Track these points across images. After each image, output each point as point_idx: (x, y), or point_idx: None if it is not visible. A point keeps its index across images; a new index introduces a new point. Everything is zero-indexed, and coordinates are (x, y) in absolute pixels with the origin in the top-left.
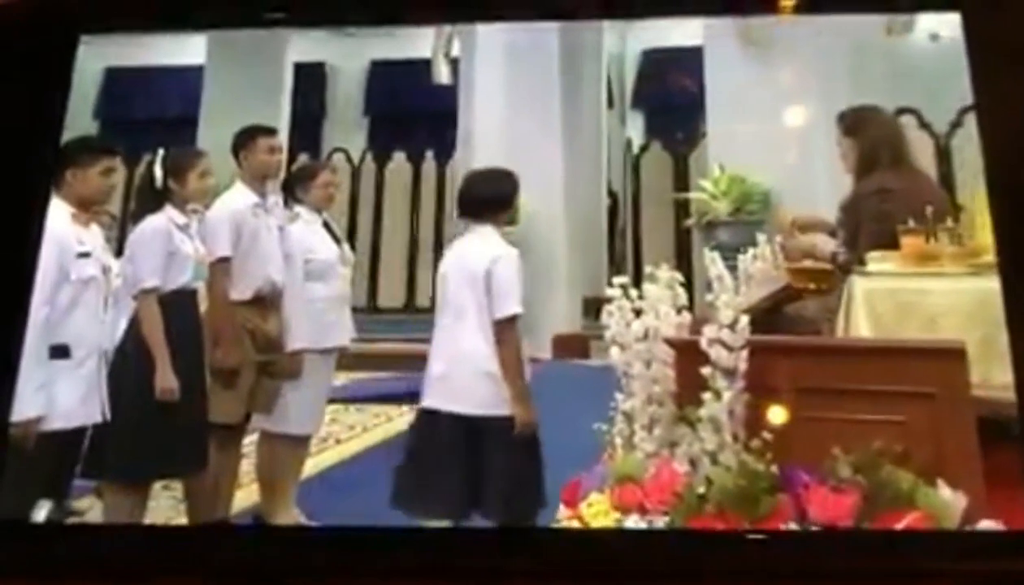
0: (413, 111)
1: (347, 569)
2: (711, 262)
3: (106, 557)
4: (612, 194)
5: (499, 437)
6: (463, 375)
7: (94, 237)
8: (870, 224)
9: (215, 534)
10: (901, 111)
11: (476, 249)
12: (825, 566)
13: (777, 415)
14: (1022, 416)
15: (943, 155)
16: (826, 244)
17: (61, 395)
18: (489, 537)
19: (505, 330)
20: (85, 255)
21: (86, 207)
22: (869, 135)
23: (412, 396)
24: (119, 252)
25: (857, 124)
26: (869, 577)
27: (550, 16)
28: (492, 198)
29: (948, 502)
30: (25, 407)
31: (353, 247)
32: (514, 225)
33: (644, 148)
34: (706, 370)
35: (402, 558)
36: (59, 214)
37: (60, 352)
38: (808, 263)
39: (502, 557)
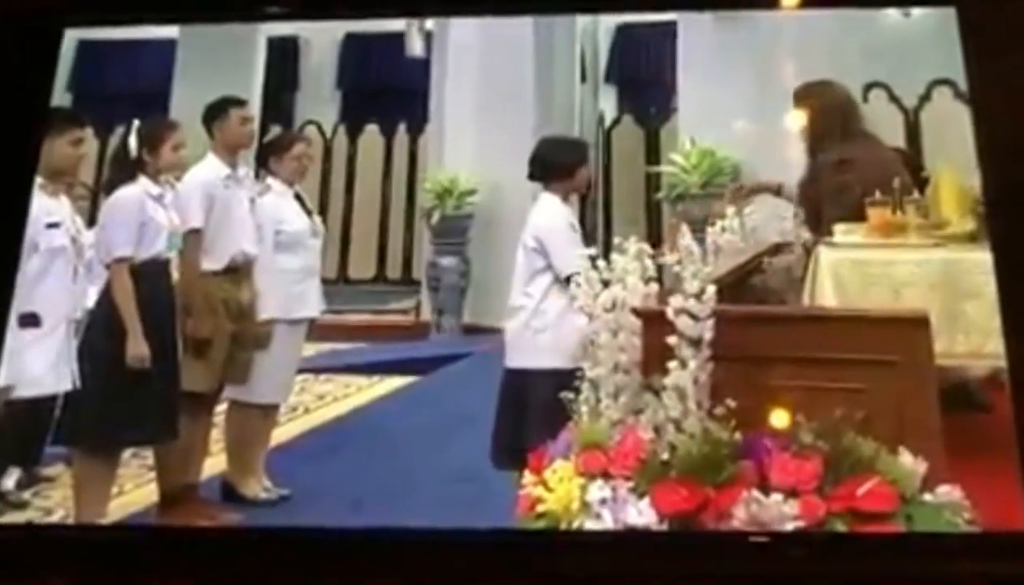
0: (386, 84)
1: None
2: (680, 235)
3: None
4: None
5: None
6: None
7: (63, 207)
8: (831, 196)
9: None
10: (871, 85)
11: (532, 219)
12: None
13: (741, 383)
14: (1017, 409)
15: (912, 128)
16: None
17: (30, 363)
18: (475, 540)
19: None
20: (54, 225)
21: (55, 178)
22: (817, 107)
23: (381, 366)
24: (92, 222)
25: (806, 97)
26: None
27: (526, 11)
28: (550, 163)
29: (909, 468)
30: None
31: (325, 218)
32: (580, 193)
33: (616, 122)
34: (672, 340)
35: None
36: None
37: (29, 320)
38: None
39: (489, 561)
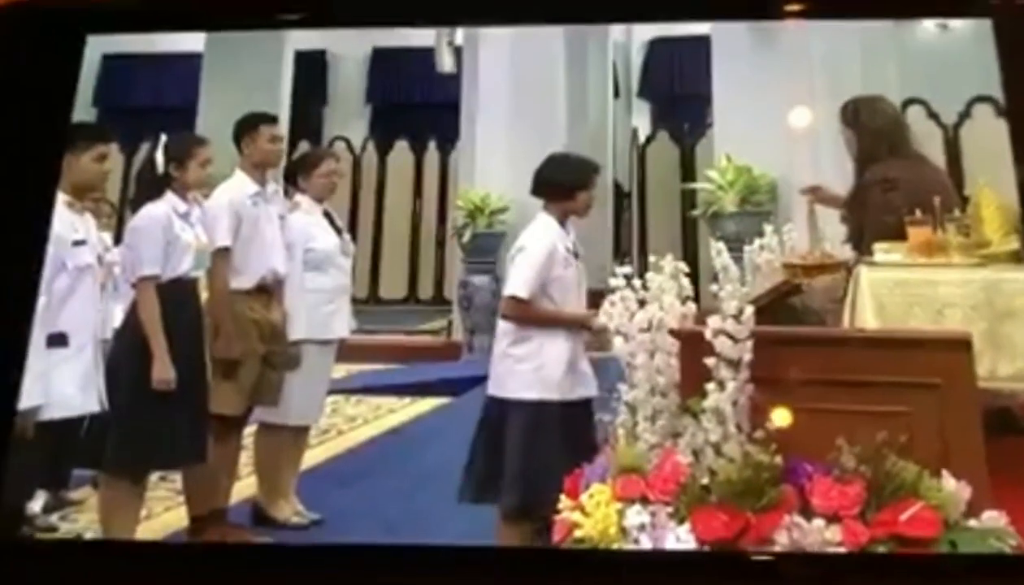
0: (415, 100)
1: None
2: (716, 253)
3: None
4: (618, 185)
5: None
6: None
7: (88, 225)
8: (875, 215)
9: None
10: (909, 101)
11: (520, 237)
12: None
13: (781, 406)
14: None
15: (951, 145)
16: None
17: (59, 384)
18: (493, 555)
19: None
20: (80, 243)
21: (80, 194)
22: (869, 125)
23: (413, 388)
24: (118, 240)
25: (857, 114)
26: None
27: (559, 20)
28: (549, 182)
29: (952, 493)
30: (23, 397)
31: (354, 237)
32: (580, 215)
33: (650, 138)
34: (710, 361)
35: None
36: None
37: (58, 340)
38: (803, 257)
39: (509, 576)
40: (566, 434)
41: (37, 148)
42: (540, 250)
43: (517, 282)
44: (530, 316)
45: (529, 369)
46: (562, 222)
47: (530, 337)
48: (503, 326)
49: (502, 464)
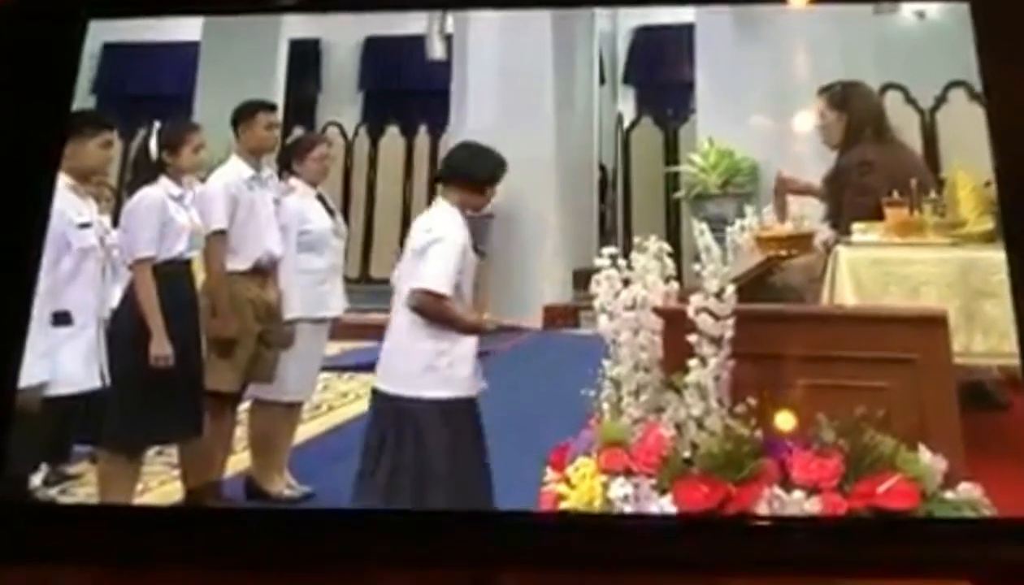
0: (407, 86)
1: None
2: (699, 234)
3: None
4: (603, 168)
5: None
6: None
7: (91, 208)
8: (853, 197)
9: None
10: (887, 87)
11: (425, 223)
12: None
13: (761, 381)
14: None
15: (928, 129)
16: (821, 234)
17: (64, 361)
18: (484, 522)
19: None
20: (85, 225)
21: (84, 179)
22: (857, 108)
23: None
24: (117, 223)
25: (846, 98)
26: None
27: (547, 4)
28: (462, 171)
29: (929, 466)
30: (30, 372)
31: (347, 219)
32: (478, 211)
33: (635, 123)
34: (693, 338)
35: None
36: (58, 186)
37: (62, 319)
38: (776, 230)
39: (497, 542)
40: (475, 431)
41: (39, 132)
42: (457, 243)
43: (436, 275)
44: (442, 313)
45: (444, 366)
46: (463, 213)
47: (443, 333)
48: (409, 319)
49: (411, 467)
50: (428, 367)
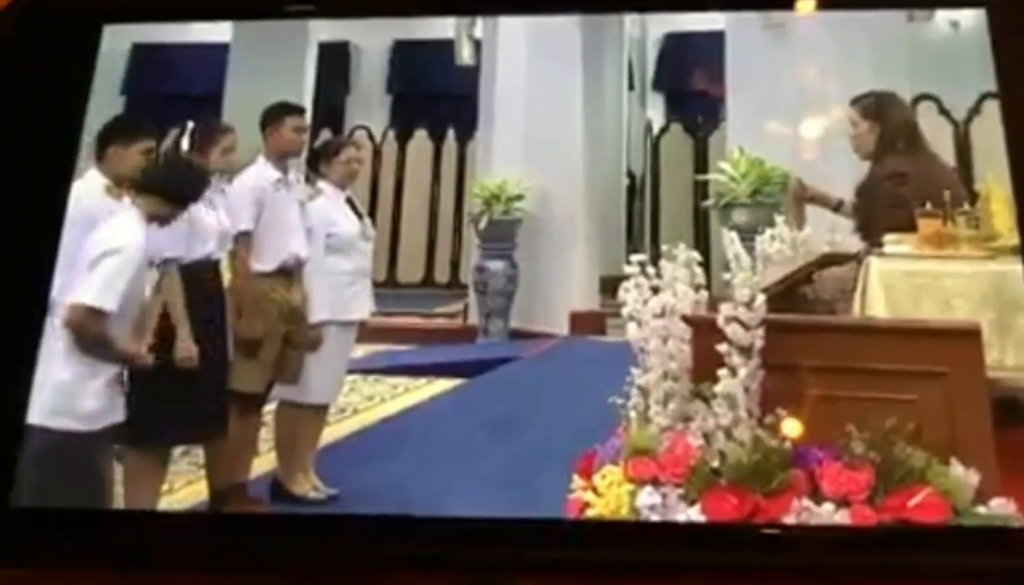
0: (435, 90)
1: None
2: (729, 242)
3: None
4: (631, 175)
5: None
6: None
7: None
8: (885, 209)
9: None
10: (921, 97)
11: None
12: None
13: (792, 392)
14: None
15: (962, 141)
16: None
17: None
18: (505, 527)
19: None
20: None
21: (121, 182)
22: (890, 119)
23: (429, 368)
24: None
25: (879, 109)
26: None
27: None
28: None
29: (960, 480)
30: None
31: (374, 222)
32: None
33: (664, 130)
34: (722, 347)
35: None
36: (94, 186)
37: None
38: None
39: (516, 549)
40: None
41: (54, 137)
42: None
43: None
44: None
45: None
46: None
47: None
48: None
49: None
50: None
